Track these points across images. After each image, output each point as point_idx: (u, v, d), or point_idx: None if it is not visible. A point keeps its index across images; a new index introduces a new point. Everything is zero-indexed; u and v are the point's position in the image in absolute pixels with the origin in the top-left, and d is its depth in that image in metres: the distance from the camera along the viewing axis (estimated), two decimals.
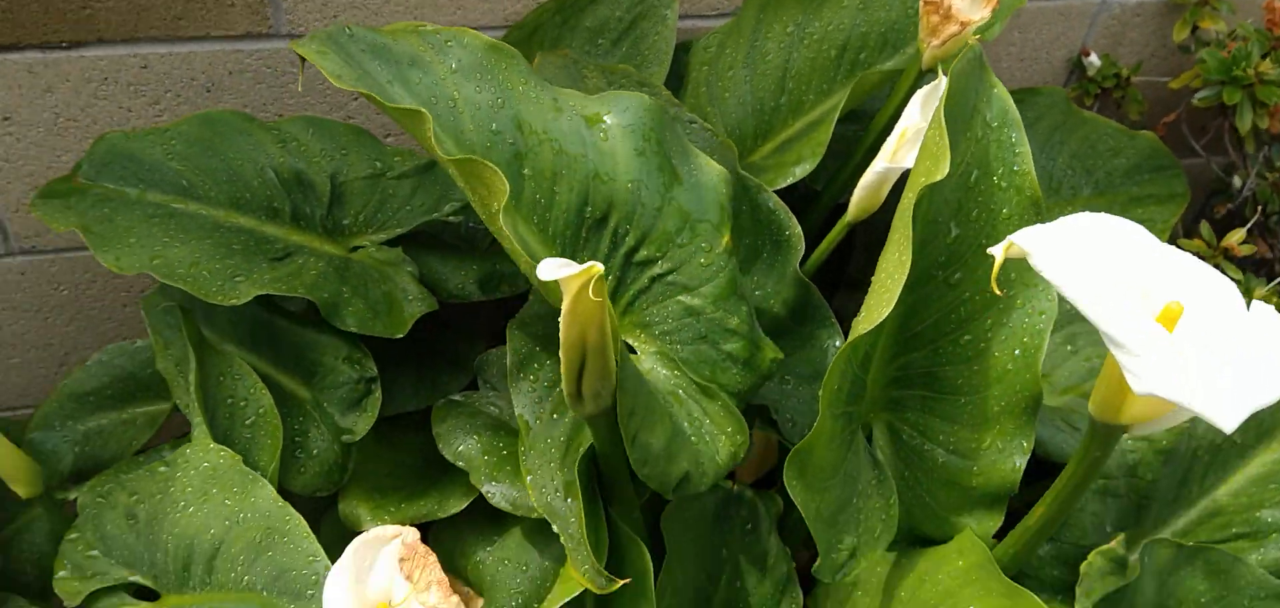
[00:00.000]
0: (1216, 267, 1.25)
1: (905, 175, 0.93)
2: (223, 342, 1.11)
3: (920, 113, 1.00)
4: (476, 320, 1.29)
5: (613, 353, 0.80)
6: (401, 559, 0.77)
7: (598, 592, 0.88)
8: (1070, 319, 1.16)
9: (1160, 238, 0.96)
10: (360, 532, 0.84)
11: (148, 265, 1.04)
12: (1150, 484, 1.03)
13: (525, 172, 0.96)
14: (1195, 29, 1.43)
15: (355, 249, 1.14)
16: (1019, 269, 0.93)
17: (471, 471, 1.06)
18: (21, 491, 1.04)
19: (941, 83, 0.94)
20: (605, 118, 0.96)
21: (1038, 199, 0.92)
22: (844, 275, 1.35)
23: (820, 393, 0.86)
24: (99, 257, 1.04)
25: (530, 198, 0.96)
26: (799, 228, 1.06)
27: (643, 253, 0.96)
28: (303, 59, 0.94)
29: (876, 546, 0.95)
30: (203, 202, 1.11)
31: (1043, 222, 0.71)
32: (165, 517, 0.99)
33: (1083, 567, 0.96)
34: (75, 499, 1.10)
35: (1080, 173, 1.33)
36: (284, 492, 0.97)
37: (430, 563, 0.77)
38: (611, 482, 0.96)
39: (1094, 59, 1.46)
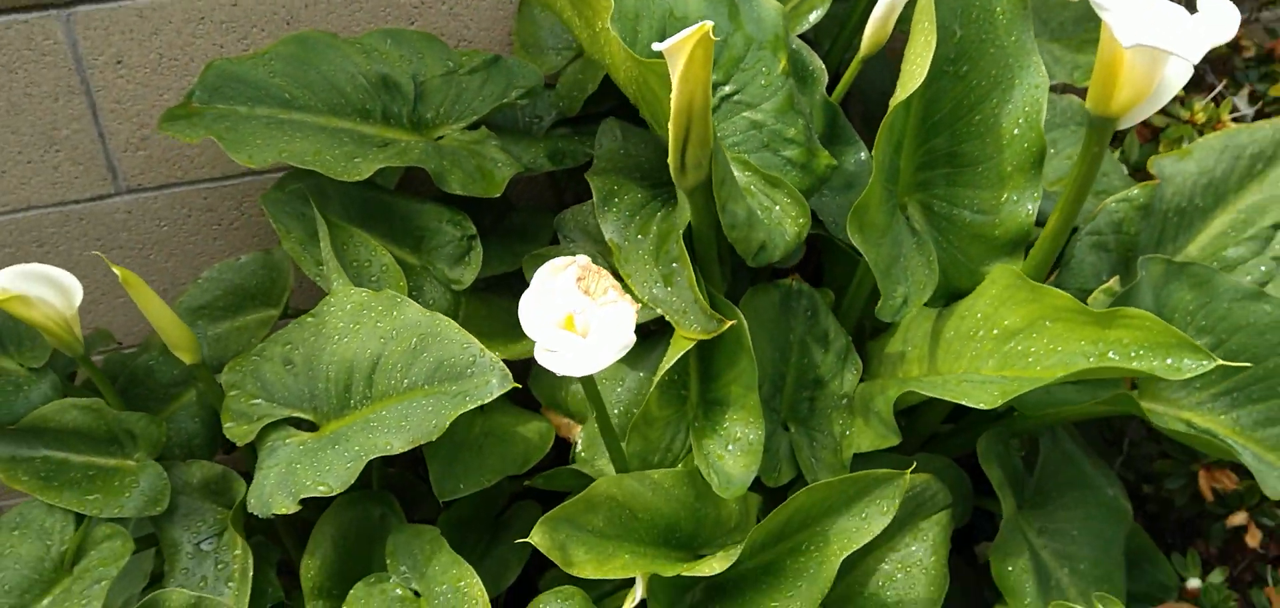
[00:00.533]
0: None
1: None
2: (341, 222, 1.28)
3: None
4: (540, 202, 1.48)
5: (712, 121, 0.99)
6: (578, 279, 0.94)
7: (708, 336, 1.06)
8: (1050, 127, 1.37)
9: None
10: None
11: (278, 157, 1.21)
12: (1134, 238, 1.24)
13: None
14: None
15: (439, 138, 1.32)
16: (1016, 54, 1.14)
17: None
18: (187, 357, 1.19)
19: None
20: None
21: (1026, 1, 1.14)
22: None
23: (873, 157, 1.07)
24: (233, 156, 1.21)
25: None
26: (820, 62, 1.27)
27: (713, 77, 1.16)
28: None
29: (923, 294, 1.14)
30: (305, 110, 1.28)
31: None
32: (322, 352, 1.16)
33: (1088, 300, 1.18)
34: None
35: (1037, 23, 1.55)
36: None
37: (604, 275, 0.94)
38: (704, 264, 1.14)
39: None
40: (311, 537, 1.20)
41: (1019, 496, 1.21)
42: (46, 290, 1.13)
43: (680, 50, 0.92)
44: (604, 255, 1.31)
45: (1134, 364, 0.97)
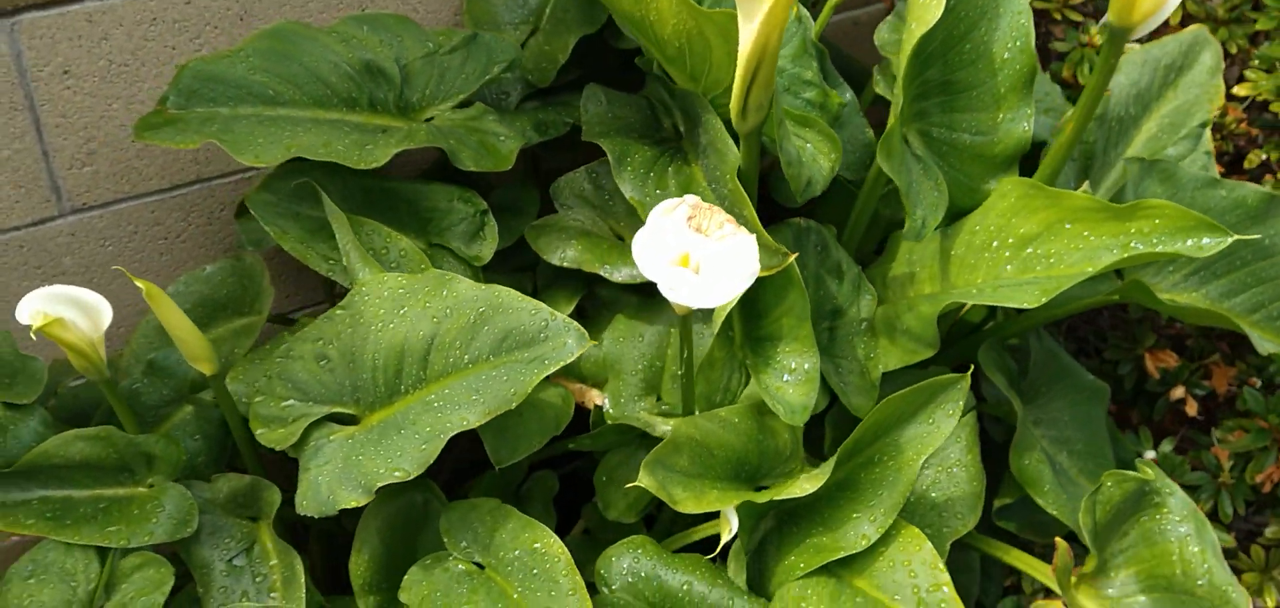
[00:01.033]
0: None
1: None
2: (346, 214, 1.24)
3: None
4: (513, 178, 1.47)
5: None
6: (689, 218, 0.96)
7: (770, 272, 1.10)
8: None
9: None
10: None
11: (287, 153, 1.17)
12: (1090, 146, 1.37)
13: None
14: None
15: (429, 119, 1.29)
16: None
17: (583, 264, 1.26)
18: (207, 368, 1.13)
19: None
20: None
21: None
22: None
23: (896, 92, 1.14)
24: (238, 157, 1.16)
25: None
26: (803, 8, 1.33)
27: None
28: None
29: (937, 215, 1.22)
30: (290, 105, 1.24)
31: None
32: (365, 342, 1.12)
33: None
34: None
35: None
36: None
37: (716, 211, 0.96)
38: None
39: None
40: (358, 533, 1.16)
41: (1017, 395, 1.31)
42: (76, 313, 1.05)
43: None
44: (604, 220, 1.33)
45: (1158, 249, 1.08)
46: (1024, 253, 1.18)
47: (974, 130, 1.26)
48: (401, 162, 1.25)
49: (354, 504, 1.07)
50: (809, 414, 1.13)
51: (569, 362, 1.05)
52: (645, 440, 1.25)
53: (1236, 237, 1.06)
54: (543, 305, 1.07)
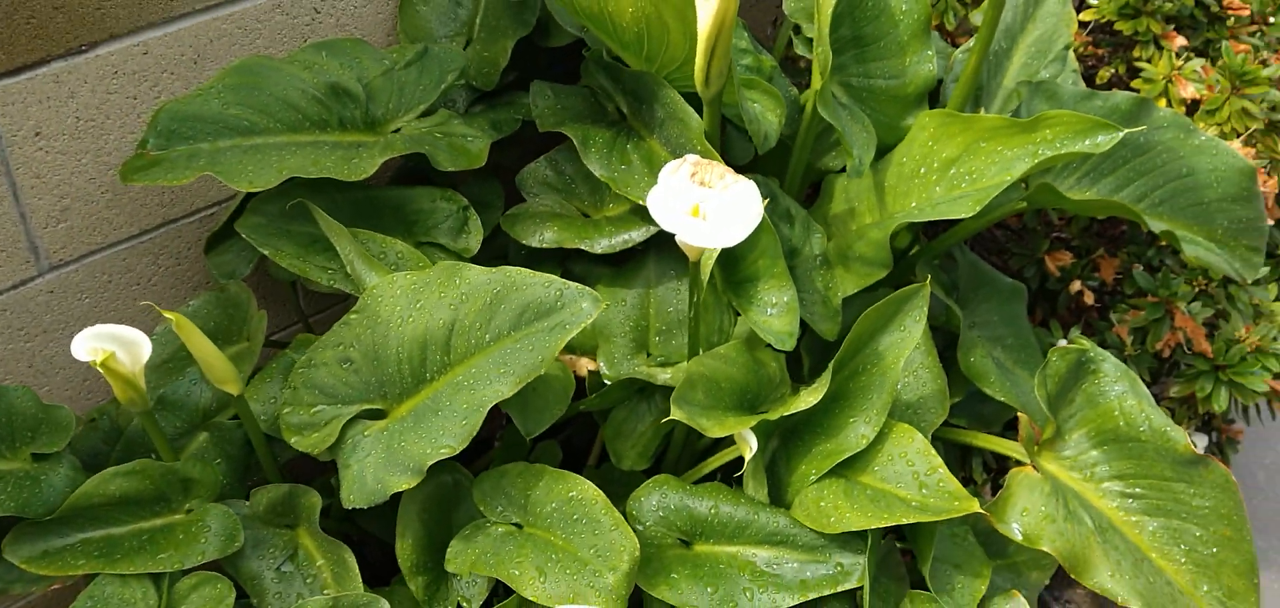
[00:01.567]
0: None
1: None
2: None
3: None
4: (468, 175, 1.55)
5: None
6: (692, 174, 1.07)
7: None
8: None
9: None
10: None
11: (280, 176, 1.24)
12: (977, 80, 1.54)
13: None
14: None
15: (396, 130, 1.37)
16: None
17: (563, 242, 1.36)
18: (233, 389, 1.18)
19: None
20: None
21: None
22: None
23: (817, 51, 1.28)
24: (234, 185, 1.23)
25: None
26: None
27: None
28: None
29: (870, 151, 1.37)
30: (265, 133, 1.30)
31: None
32: (387, 340, 1.20)
33: None
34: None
35: None
36: None
37: (715, 165, 1.07)
38: None
39: None
40: (399, 519, 1.23)
41: (955, 303, 1.47)
42: (120, 349, 1.09)
43: None
44: (569, 202, 1.44)
45: (1063, 151, 1.26)
46: (949, 174, 1.34)
47: (887, 76, 1.42)
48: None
49: (405, 486, 1.14)
50: (794, 340, 1.26)
51: (587, 323, 1.15)
52: (643, 394, 1.36)
53: (1126, 130, 1.25)
54: (554, 277, 1.17)
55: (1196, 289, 1.66)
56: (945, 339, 1.47)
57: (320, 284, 1.28)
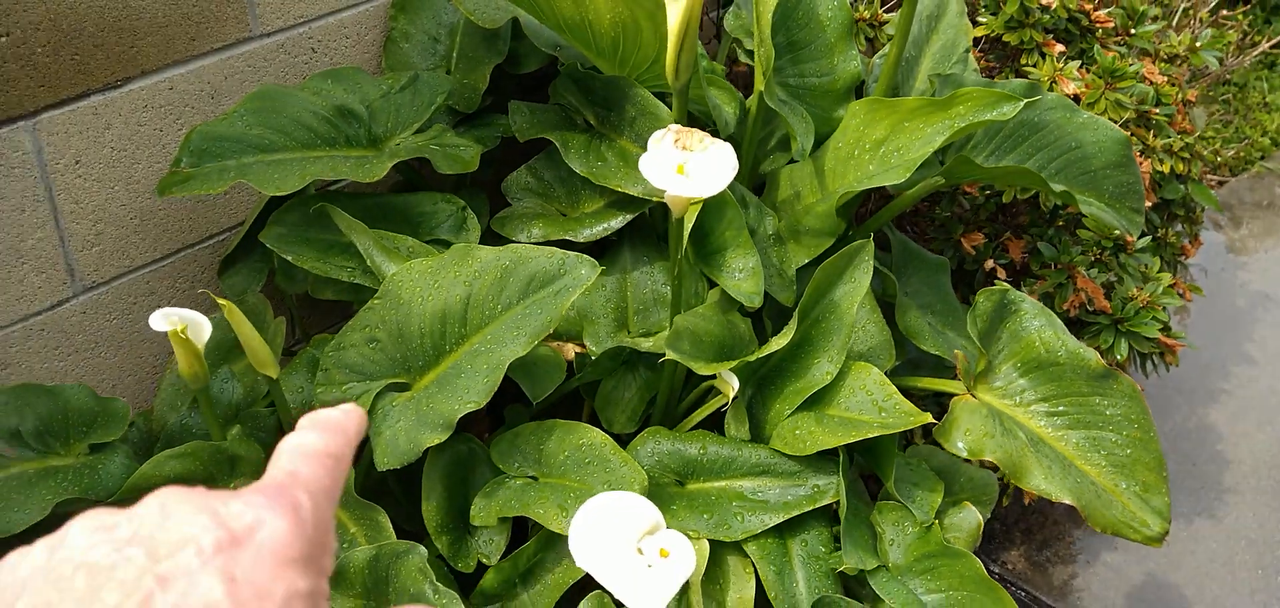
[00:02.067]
0: None
1: None
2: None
3: None
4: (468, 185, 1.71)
5: None
6: (675, 140, 1.26)
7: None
8: None
9: None
10: None
11: (303, 181, 1.40)
12: (894, 85, 1.77)
13: None
14: None
15: (397, 145, 1.54)
16: None
17: (550, 236, 1.54)
18: (272, 372, 1.33)
19: None
20: None
21: None
22: None
23: (758, 56, 1.49)
24: (264, 190, 1.38)
25: None
26: None
27: None
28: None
29: (810, 139, 1.58)
30: (283, 151, 1.46)
31: None
32: (409, 319, 1.36)
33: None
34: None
35: None
36: None
37: (694, 132, 1.26)
38: None
39: None
40: (424, 484, 1.38)
41: (890, 272, 1.68)
42: (190, 327, 1.23)
43: None
44: (548, 203, 1.62)
45: (976, 120, 1.48)
46: (880, 152, 1.55)
47: (819, 74, 1.64)
48: (366, 185, 1.49)
49: (436, 441, 1.29)
50: (761, 298, 1.45)
51: (587, 285, 1.33)
52: (628, 366, 1.53)
53: (1027, 99, 1.48)
54: (556, 250, 1.35)
55: (1093, 258, 1.90)
56: (883, 310, 1.67)
57: (341, 280, 1.44)
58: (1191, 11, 2.50)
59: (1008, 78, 1.96)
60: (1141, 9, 2.05)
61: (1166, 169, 2.00)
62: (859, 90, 1.71)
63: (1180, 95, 2.06)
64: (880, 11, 1.97)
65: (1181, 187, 2.10)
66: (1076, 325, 1.89)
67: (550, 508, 1.31)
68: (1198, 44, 2.10)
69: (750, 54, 1.70)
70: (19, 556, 0.37)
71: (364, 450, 1.47)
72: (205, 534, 0.36)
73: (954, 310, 1.74)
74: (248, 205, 1.60)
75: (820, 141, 1.63)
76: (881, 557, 1.36)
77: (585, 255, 1.34)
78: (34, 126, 1.36)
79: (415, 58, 1.68)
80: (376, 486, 1.44)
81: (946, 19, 1.85)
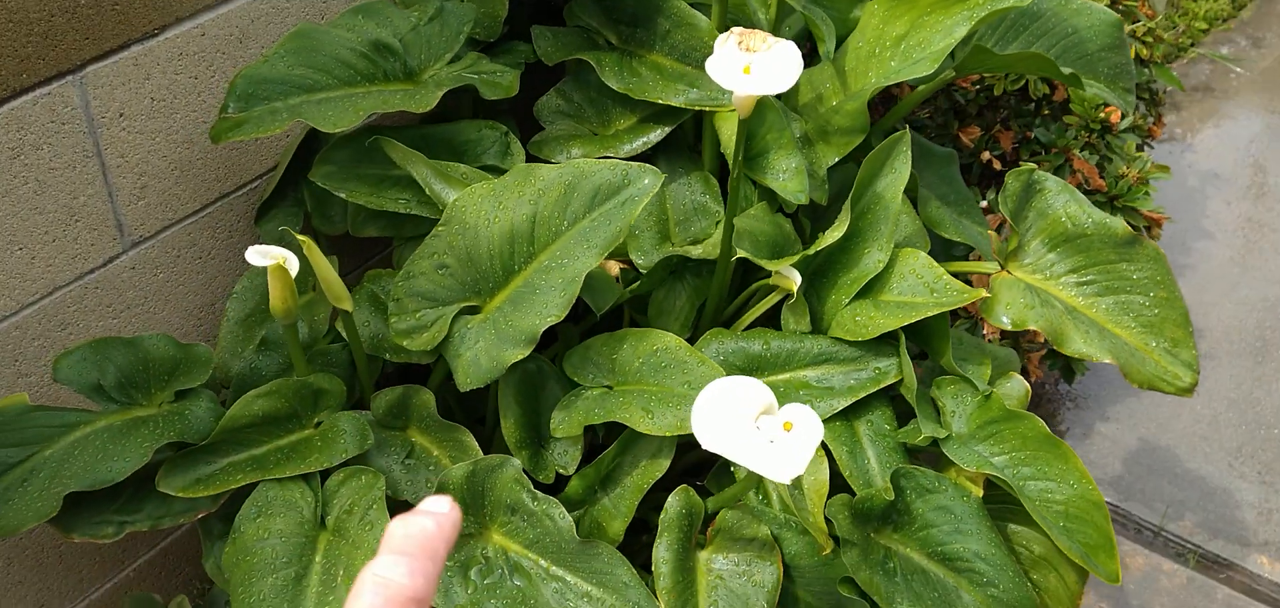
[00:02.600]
0: None
1: None
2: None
3: None
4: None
5: None
6: (739, 41, 1.29)
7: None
8: None
9: None
10: None
11: (360, 116, 1.41)
12: None
13: None
14: None
15: (429, 77, 1.55)
16: None
17: (590, 155, 1.56)
18: (347, 306, 1.34)
19: None
20: None
21: None
22: None
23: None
24: (319, 126, 1.38)
25: None
26: None
27: None
28: None
29: (832, 40, 1.63)
30: (326, 89, 1.46)
31: None
32: (478, 242, 1.37)
33: None
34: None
35: None
36: None
37: (756, 33, 1.29)
38: None
39: None
40: (500, 404, 1.41)
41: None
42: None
43: None
44: (580, 124, 1.64)
45: (993, 8, 1.54)
46: (901, 48, 1.60)
47: None
48: (395, 117, 1.51)
49: (520, 356, 1.32)
50: (806, 195, 1.50)
51: (653, 193, 1.36)
52: (675, 275, 1.57)
53: None
54: (617, 162, 1.38)
55: (1084, 141, 1.99)
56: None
57: (398, 213, 1.45)
58: None
59: None
60: None
61: (1133, 53, 2.09)
62: None
63: None
64: None
65: (1145, 70, 2.20)
66: None
67: (635, 412, 1.35)
68: None
69: None
70: None
71: (430, 375, 1.49)
72: None
73: (966, 200, 1.81)
74: (277, 150, 1.60)
75: (838, 43, 1.67)
76: (946, 427, 1.43)
77: (647, 164, 1.37)
78: (81, 80, 1.35)
79: None
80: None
81: None
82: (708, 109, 1.52)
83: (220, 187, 1.55)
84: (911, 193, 1.71)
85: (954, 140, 1.97)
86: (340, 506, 1.30)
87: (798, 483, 1.39)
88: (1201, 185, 2.85)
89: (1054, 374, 2.21)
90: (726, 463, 1.45)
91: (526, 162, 1.58)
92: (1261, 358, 2.39)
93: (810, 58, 1.56)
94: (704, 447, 1.09)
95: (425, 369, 1.52)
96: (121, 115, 1.40)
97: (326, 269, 1.31)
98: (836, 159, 1.62)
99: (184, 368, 1.34)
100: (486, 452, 1.39)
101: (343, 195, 1.45)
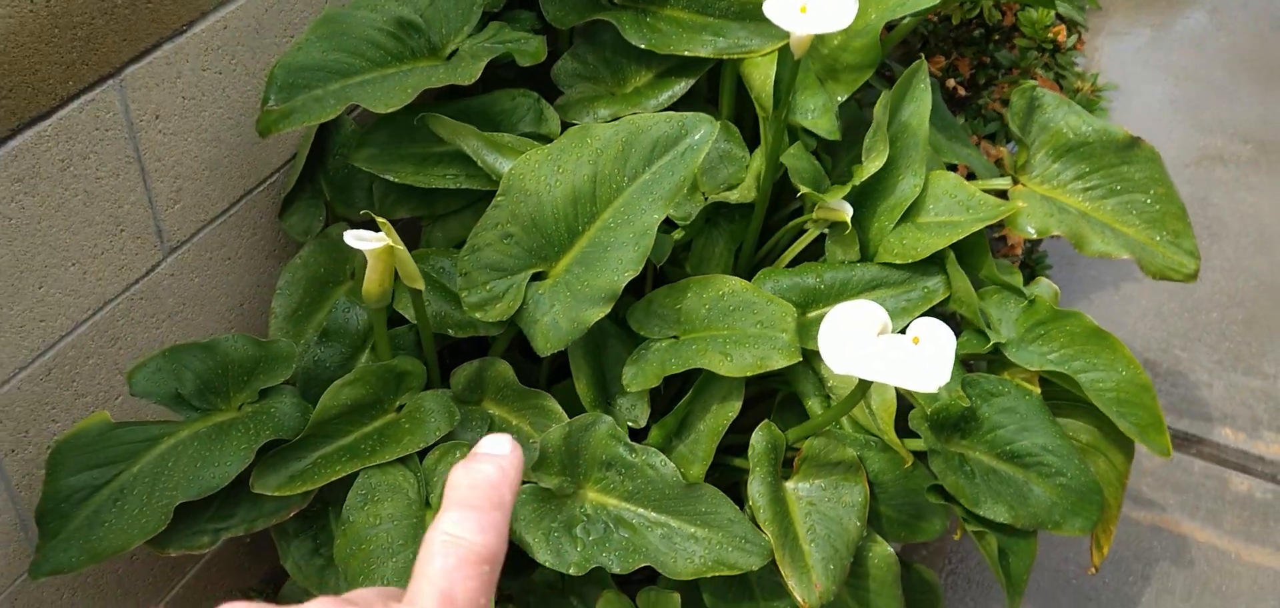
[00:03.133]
0: None
1: None
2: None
3: None
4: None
5: None
6: None
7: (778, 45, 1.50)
8: None
9: None
10: None
11: (409, 94, 1.38)
12: None
13: None
14: None
15: (453, 52, 1.54)
16: None
17: (619, 113, 1.58)
18: (419, 285, 1.32)
19: None
20: None
21: None
22: None
23: None
24: (373, 108, 1.36)
25: None
26: None
27: None
28: None
29: None
30: (362, 72, 1.44)
31: None
32: (542, 208, 1.38)
33: None
34: None
35: None
36: None
37: None
38: None
39: None
40: (572, 364, 1.42)
41: None
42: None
43: None
44: (598, 84, 1.65)
45: None
46: None
47: None
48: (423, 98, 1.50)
49: (600, 315, 1.33)
50: (837, 134, 1.55)
51: (712, 139, 1.38)
52: (711, 222, 1.60)
53: None
54: (671, 114, 1.40)
55: (1041, 61, 2.09)
56: None
57: (448, 188, 1.45)
58: None
59: None
60: None
61: None
62: None
63: None
64: None
65: None
66: None
67: (713, 356, 1.38)
68: None
69: None
70: None
71: (490, 348, 1.49)
72: None
73: (953, 125, 1.89)
74: (292, 143, 1.57)
75: None
76: (997, 334, 1.50)
77: (701, 115, 1.39)
78: (121, 83, 1.30)
79: None
80: None
81: None
82: (737, 57, 1.55)
83: (245, 183, 1.51)
84: None
85: (948, 73, 2.06)
86: (442, 482, 1.29)
87: (869, 406, 1.45)
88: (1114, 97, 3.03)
89: None
90: (793, 400, 1.49)
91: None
92: None
93: None
94: (836, 372, 1.13)
95: (481, 343, 1.51)
96: (157, 117, 1.35)
97: (403, 251, 1.30)
98: (846, 96, 1.67)
99: (264, 366, 1.31)
100: None
101: (389, 176, 1.43)
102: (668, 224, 1.57)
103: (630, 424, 1.45)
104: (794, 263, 1.56)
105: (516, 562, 1.31)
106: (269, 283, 1.58)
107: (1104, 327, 1.50)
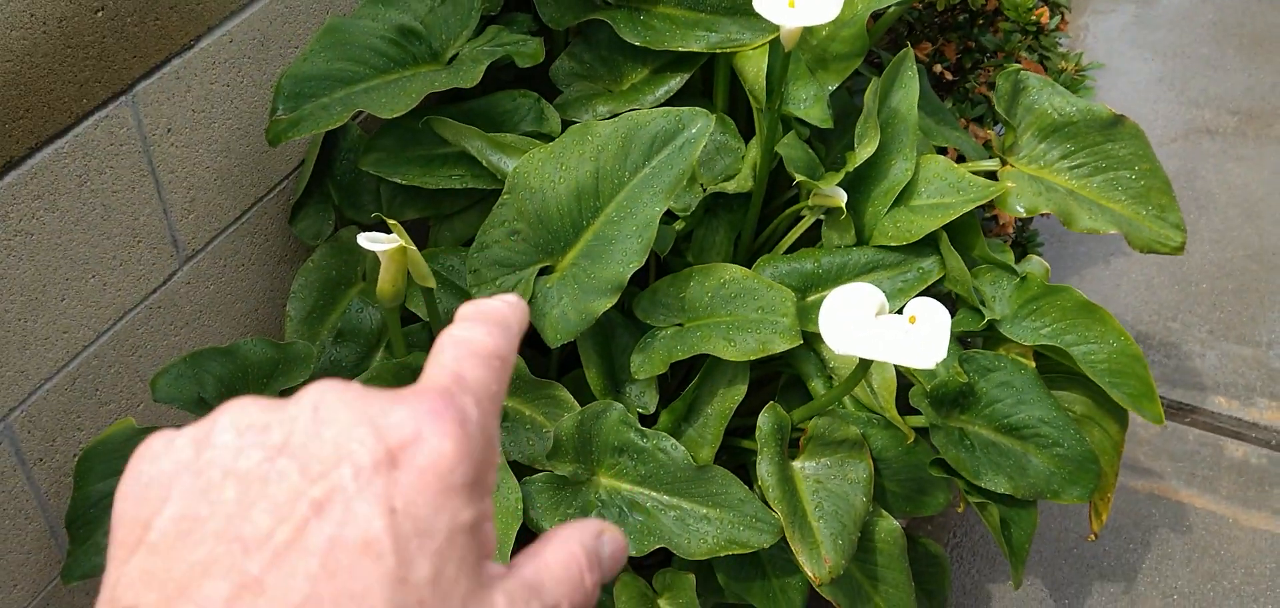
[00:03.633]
0: None
1: None
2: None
3: None
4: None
5: None
6: None
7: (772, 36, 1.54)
8: None
9: None
10: None
11: (414, 99, 1.42)
12: None
13: None
14: None
15: (453, 57, 1.58)
16: None
17: (618, 109, 1.62)
18: (430, 283, 1.36)
19: None
20: None
21: None
22: None
23: None
24: (379, 113, 1.40)
25: None
26: None
27: None
28: None
29: None
30: (365, 80, 1.48)
31: None
32: (547, 205, 1.42)
33: None
34: None
35: None
36: None
37: None
38: None
39: None
40: (582, 355, 1.46)
41: None
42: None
43: None
44: (594, 82, 1.69)
45: None
46: None
47: None
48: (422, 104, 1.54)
49: (609, 305, 1.37)
50: (829, 122, 1.59)
51: (709, 133, 1.43)
52: (711, 213, 1.64)
53: None
54: (668, 109, 1.44)
55: (1025, 45, 2.13)
56: None
57: (455, 189, 1.49)
58: None
59: None
60: None
61: None
62: None
63: None
64: None
65: None
66: None
67: (717, 342, 1.42)
68: None
69: None
70: (163, 444, 0.35)
71: None
72: (362, 449, 0.32)
73: (941, 109, 1.93)
74: (299, 150, 1.60)
75: None
76: (991, 311, 1.55)
77: (697, 108, 1.44)
78: (133, 98, 1.33)
79: None
80: None
81: None
82: (730, 51, 1.59)
83: (256, 191, 1.55)
84: None
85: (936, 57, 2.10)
86: None
87: (870, 384, 1.49)
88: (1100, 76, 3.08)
89: None
90: (796, 382, 1.53)
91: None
92: None
93: None
94: (837, 352, 1.17)
95: None
96: (169, 130, 1.39)
97: (414, 251, 1.34)
98: (836, 84, 1.71)
99: (283, 368, 1.35)
100: None
101: (397, 179, 1.47)
102: (669, 216, 1.61)
103: (640, 410, 1.49)
104: (792, 249, 1.60)
105: None
106: (281, 287, 1.62)
107: (1096, 302, 1.55)
